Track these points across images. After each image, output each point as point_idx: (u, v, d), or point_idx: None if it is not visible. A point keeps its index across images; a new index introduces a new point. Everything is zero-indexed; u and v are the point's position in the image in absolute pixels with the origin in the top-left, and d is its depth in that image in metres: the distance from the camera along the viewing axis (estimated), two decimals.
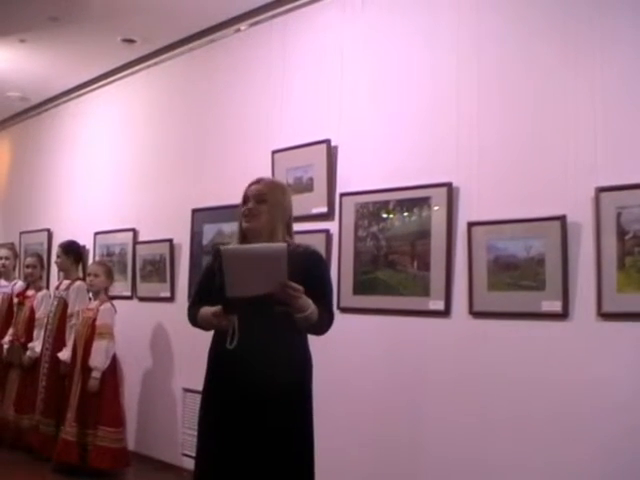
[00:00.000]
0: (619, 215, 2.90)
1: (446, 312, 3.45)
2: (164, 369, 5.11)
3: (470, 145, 3.44)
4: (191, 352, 4.43)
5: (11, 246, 6.40)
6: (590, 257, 2.98)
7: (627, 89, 2.97)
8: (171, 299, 5.11)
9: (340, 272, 3.90)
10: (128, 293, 5.48)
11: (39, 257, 5.89)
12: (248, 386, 2.54)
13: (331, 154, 4.05)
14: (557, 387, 3.03)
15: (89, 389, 4.63)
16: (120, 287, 5.37)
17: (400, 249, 3.66)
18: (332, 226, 4.02)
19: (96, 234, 5.88)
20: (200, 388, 2.77)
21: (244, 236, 2.70)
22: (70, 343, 4.97)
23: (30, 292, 5.66)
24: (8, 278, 6.02)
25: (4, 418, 5.44)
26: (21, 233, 6.96)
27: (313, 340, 2.72)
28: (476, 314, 3.34)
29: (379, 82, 3.92)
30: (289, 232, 2.75)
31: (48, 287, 5.98)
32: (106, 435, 4.63)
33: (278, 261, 2.37)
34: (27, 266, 5.73)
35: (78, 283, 5.23)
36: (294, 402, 2.62)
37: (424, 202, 3.58)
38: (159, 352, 5.18)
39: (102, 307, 4.84)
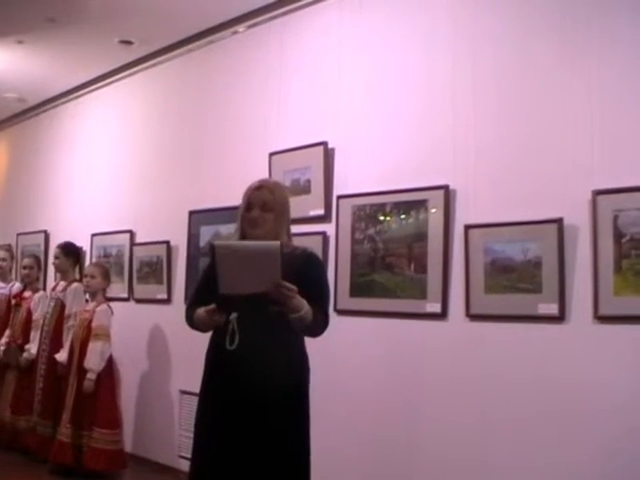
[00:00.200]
0: (616, 218, 2.89)
1: (443, 315, 3.45)
2: (161, 371, 5.11)
3: (467, 147, 3.43)
4: (188, 354, 4.43)
5: (8, 247, 6.37)
6: (587, 260, 2.98)
7: (625, 90, 2.95)
8: (168, 301, 5.10)
9: (337, 274, 3.89)
10: (125, 295, 5.48)
11: (36, 258, 5.88)
12: (248, 387, 2.54)
13: (328, 156, 4.04)
14: (554, 389, 3.02)
15: (84, 391, 4.62)
16: (117, 289, 5.38)
17: (397, 251, 3.66)
18: (329, 228, 4.02)
19: (93, 235, 5.87)
20: (197, 390, 2.76)
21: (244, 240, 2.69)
22: (67, 345, 4.96)
23: (27, 293, 5.65)
24: (5, 279, 6.01)
25: (1, 419, 5.43)
26: (18, 234, 6.94)
27: (311, 342, 2.72)
28: (473, 317, 3.34)
29: (376, 84, 3.92)
30: (288, 235, 2.74)
31: (45, 288, 5.96)
32: (101, 437, 4.62)
33: (272, 259, 2.36)
34: (24, 267, 5.72)
35: (75, 285, 5.22)
36: (291, 402, 2.62)
37: (421, 205, 3.58)
38: (156, 354, 5.17)
39: (98, 309, 4.83)
